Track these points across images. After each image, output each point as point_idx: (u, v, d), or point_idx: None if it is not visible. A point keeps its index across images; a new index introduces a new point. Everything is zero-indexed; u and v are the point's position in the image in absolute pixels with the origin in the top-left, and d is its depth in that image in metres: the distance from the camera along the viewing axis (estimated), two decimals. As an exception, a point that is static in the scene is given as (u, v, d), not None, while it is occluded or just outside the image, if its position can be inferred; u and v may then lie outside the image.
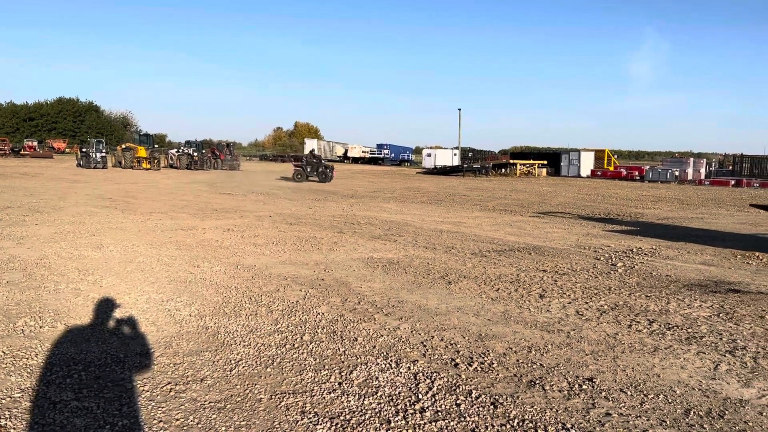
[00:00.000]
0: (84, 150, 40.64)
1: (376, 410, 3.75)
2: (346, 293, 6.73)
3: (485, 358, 4.70)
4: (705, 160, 49.71)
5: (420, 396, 3.97)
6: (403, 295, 6.73)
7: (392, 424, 3.56)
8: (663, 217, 16.63)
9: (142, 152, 40.85)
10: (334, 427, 3.51)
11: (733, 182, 39.15)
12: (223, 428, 3.48)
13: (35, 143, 65.38)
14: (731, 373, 4.49)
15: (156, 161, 40.86)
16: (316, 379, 4.23)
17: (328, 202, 18.76)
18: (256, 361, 4.56)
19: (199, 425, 3.51)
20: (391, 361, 4.63)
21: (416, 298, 6.61)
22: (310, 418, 3.62)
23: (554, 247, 10.43)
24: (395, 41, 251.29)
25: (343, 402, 3.86)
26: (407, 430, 3.50)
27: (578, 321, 5.82)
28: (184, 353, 4.70)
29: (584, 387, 4.16)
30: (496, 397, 3.98)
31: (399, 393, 4.02)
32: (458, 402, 3.89)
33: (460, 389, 4.10)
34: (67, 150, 74.84)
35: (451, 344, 5.05)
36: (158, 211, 14.69)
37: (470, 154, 64.04)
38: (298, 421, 3.58)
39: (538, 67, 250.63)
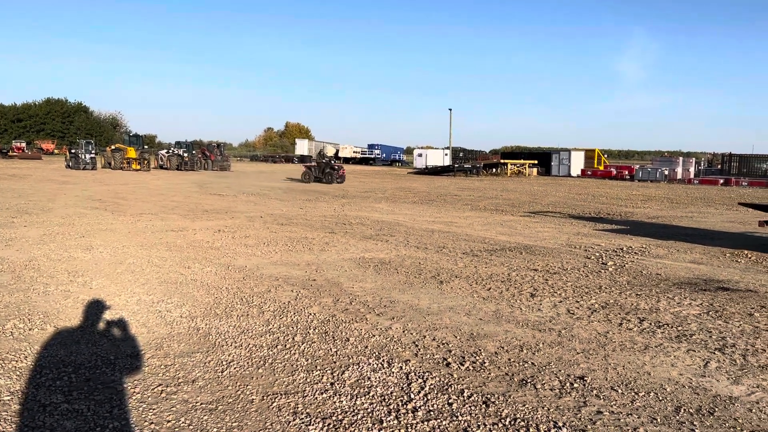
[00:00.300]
0: (73, 151, 40.38)
1: (369, 410, 3.75)
2: (337, 293, 6.73)
3: (477, 358, 4.71)
4: (694, 159, 50.08)
5: (412, 395, 3.98)
6: (395, 295, 6.73)
7: (384, 424, 3.56)
8: (653, 216, 16.73)
9: (132, 153, 40.63)
10: (326, 428, 3.50)
11: (722, 181, 39.45)
12: (215, 430, 3.47)
13: (23, 144, 64.96)
14: (721, 371, 4.52)
15: (146, 162, 40.66)
16: (308, 380, 4.22)
17: (320, 203, 18.73)
18: (247, 362, 4.54)
19: (191, 427, 3.49)
20: (383, 361, 4.63)
21: (408, 297, 6.61)
22: (302, 418, 3.62)
23: (545, 247, 10.47)
24: (387, 41, 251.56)
25: (335, 402, 3.86)
26: (399, 429, 3.50)
27: (569, 320, 5.84)
28: (175, 355, 4.68)
29: (575, 385, 4.18)
30: (488, 396, 3.98)
31: (391, 393, 4.02)
32: (450, 401, 3.89)
33: (452, 388, 4.10)
34: (56, 151, 74.36)
35: (443, 344, 5.05)
36: (148, 213, 14.62)
37: (461, 154, 64.06)
38: (290, 422, 3.57)
39: (528, 68, 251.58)
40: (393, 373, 4.38)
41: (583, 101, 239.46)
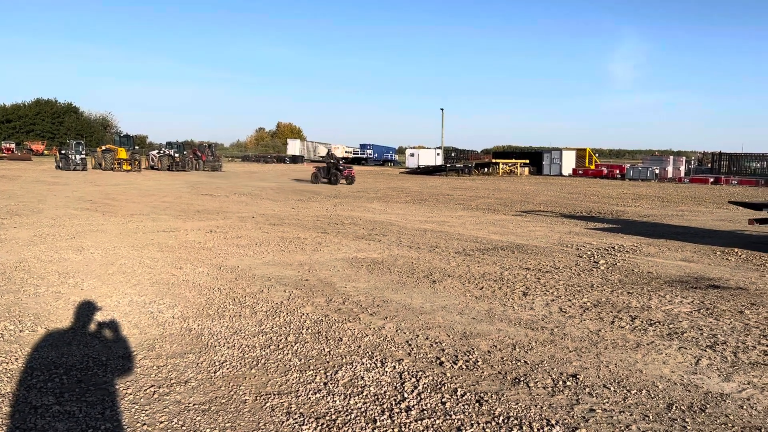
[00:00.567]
0: (63, 152, 40.17)
1: (362, 410, 3.75)
2: (330, 293, 6.72)
3: (470, 356, 4.72)
4: (684, 158, 50.30)
5: (405, 395, 3.98)
6: (388, 294, 6.73)
7: (378, 424, 3.56)
8: (644, 215, 16.82)
9: (123, 154, 40.44)
10: (319, 427, 3.50)
11: (712, 180, 39.70)
12: (208, 430, 3.45)
13: (13, 145, 64.55)
14: (712, 368, 4.55)
15: (137, 163, 40.50)
16: (302, 380, 4.21)
17: (312, 203, 18.71)
18: (240, 363, 4.53)
19: (184, 427, 3.48)
20: (377, 360, 4.63)
21: (401, 297, 6.61)
22: (296, 418, 3.61)
23: (537, 246, 10.50)
24: (379, 41, 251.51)
25: (328, 402, 3.85)
26: (393, 429, 3.50)
27: (562, 318, 5.86)
28: (168, 355, 4.66)
29: (568, 383, 4.19)
30: (481, 394, 3.99)
31: (384, 392, 4.02)
32: (444, 400, 3.90)
33: (446, 387, 4.11)
34: (46, 152, 73.93)
35: (436, 343, 5.06)
36: (139, 213, 14.55)
37: (453, 154, 64.20)
38: (283, 422, 3.56)
39: (520, 68, 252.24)
40: (386, 372, 4.38)
41: (574, 101, 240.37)
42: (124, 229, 11.64)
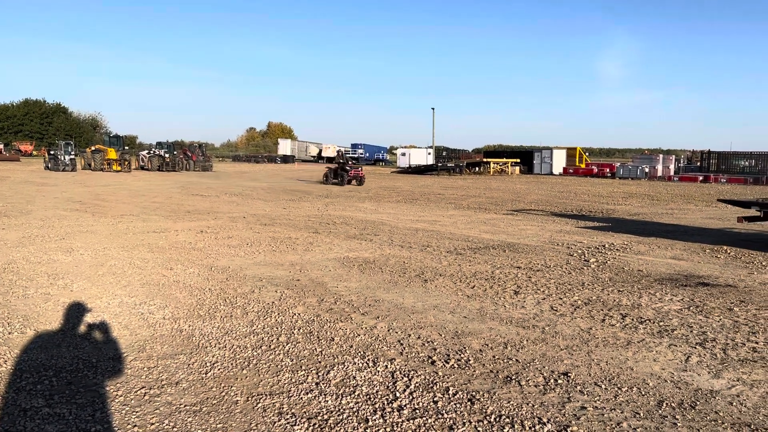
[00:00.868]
0: (52, 152, 39.87)
1: (354, 409, 3.75)
2: (322, 293, 6.71)
3: (462, 355, 4.73)
4: (674, 156, 50.58)
5: (398, 394, 3.98)
6: (380, 294, 6.73)
7: (370, 423, 3.56)
8: (634, 213, 16.90)
9: (112, 154, 40.19)
10: (311, 428, 3.49)
11: (701, 178, 40.00)
12: (199, 431, 3.44)
13: (1, 146, 63.90)
14: (702, 365, 4.58)
15: (126, 163, 40.28)
16: (293, 380, 4.20)
17: (303, 203, 18.68)
18: (231, 363, 4.52)
19: (175, 429, 3.46)
20: (369, 360, 4.62)
21: (393, 296, 6.61)
22: (288, 419, 3.60)
23: (528, 244, 10.53)
24: (370, 41, 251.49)
25: (320, 402, 3.85)
26: (385, 428, 3.50)
27: (553, 316, 5.88)
28: (159, 357, 4.64)
29: (559, 381, 4.21)
30: (473, 393, 4.00)
31: (376, 392, 4.02)
32: (436, 399, 3.90)
33: (438, 386, 4.11)
34: (35, 153, 73.35)
35: (428, 342, 5.06)
36: (129, 214, 14.47)
37: (444, 153, 64.31)
38: (275, 423, 3.55)
39: (510, 67, 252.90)
40: (378, 372, 4.38)
41: (564, 100, 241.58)
42: (114, 229, 11.57)
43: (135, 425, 3.50)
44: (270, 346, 4.92)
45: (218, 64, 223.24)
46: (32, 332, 5.17)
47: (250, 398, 3.89)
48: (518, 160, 50.77)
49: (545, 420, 3.60)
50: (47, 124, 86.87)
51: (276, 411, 3.71)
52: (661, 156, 47.63)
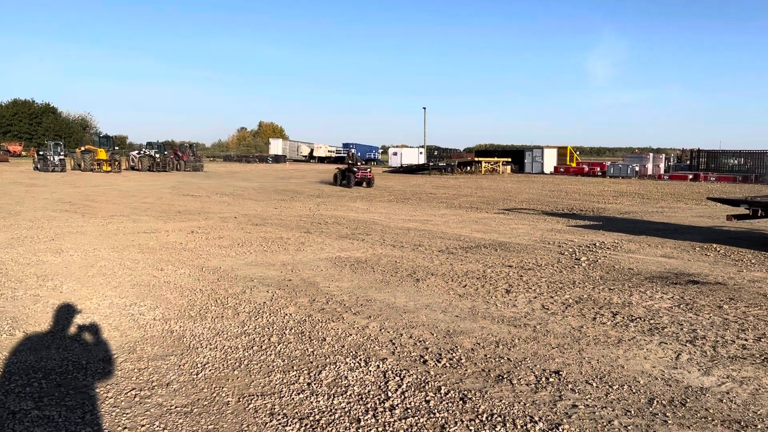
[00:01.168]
0: (41, 153, 39.61)
1: (346, 409, 3.74)
2: (314, 293, 6.70)
3: (454, 354, 4.73)
4: (664, 155, 50.87)
5: (389, 394, 3.97)
6: (372, 293, 6.73)
7: (362, 423, 3.55)
8: (624, 212, 16.98)
9: (102, 154, 39.95)
10: (303, 428, 3.48)
11: (691, 176, 40.24)
12: (190, 433, 3.42)
13: (-10, 147, 63.43)
14: (692, 362, 4.61)
15: (117, 163, 40.06)
16: (285, 381, 4.19)
17: (294, 202, 18.64)
18: (223, 364, 4.50)
19: (165, 431, 3.44)
20: (360, 359, 4.62)
21: (384, 296, 6.61)
22: (279, 419, 3.59)
23: (519, 243, 10.56)
24: (361, 40, 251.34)
25: (312, 402, 3.84)
26: (377, 428, 3.50)
27: (544, 315, 5.89)
28: (149, 358, 4.61)
29: (551, 380, 4.22)
30: (465, 392, 4.00)
31: (368, 391, 4.02)
32: (427, 398, 3.90)
33: (429, 386, 4.11)
34: (24, 153, 72.87)
35: (420, 341, 5.06)
36: (120, 214, 14.39)
37: (436, 153, 64.43)
38: (266, 423, 3.54)
39: (502, 66, 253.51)
40: (370, 371, 4.38)
41: (555, 99, 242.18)
42: (104, 230, 11.50)
43: (125, 427, 3.48)
44: (261, 346, 4.91)
45: (209, 64, 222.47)
46: (21, 334, 5.13)
47: (241, 399, 3.88)
48: (509, 160, 50.88)
49: (537, 418, 3.60)
50: (36, 124, 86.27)
51: (267, 412, 3.70)
52: (651, 155, 47.89)
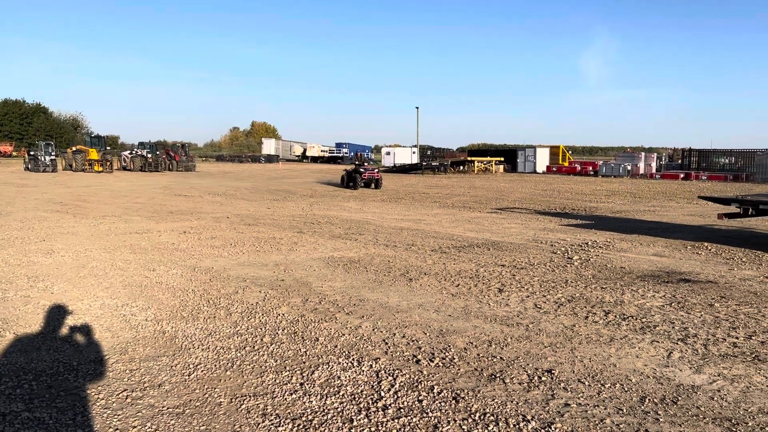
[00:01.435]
0: (32, 153, 39.37)
1: (339, 409, 3.73)
2: (306, 293, 6.68)
3: (446, 354, 4.73)
4: (656, 154, 51.06)
5: (382, 393, 3.97)
6: (365, 293, 6.72)
7: (355, 423, 3.55)
8: (616, 211, 17.05)
9: (94, 154, 39.76)
10: (296, 428, 3.48)
11: (682, 175, 40.42)
12: (183, 434, 3.41)
13: (-20, 147, 63.02)
14: (683, 361, 4.63)
15: (108, 164, 39.89)
16: (278, 381, 4.18)
17: (287, 202, 18.61)
18: (215, 365, 4.48)
19: (158, 432, 3.43)
20: (353, 359, 4.61)
21: (377, 296, 6.61)
22: (272, 420, 3.58)
23: (512, 242, 10.58)
24: (354, 40, 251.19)
25: (305, 402, 3.83)
26: (370, 428, 3.49)
27: (536, 314, 5.91)
28: (141, 359, 4.59)
29: (543, 379, 4.23)
30: (458, 391, 4.00)
31: (361, 391, 4.01)
32: (420, 398, 3.90)
33: (422, 385, 4.11)
34: (14, 153, 72.43)
35: (413, 341, 5.06)
36: (111, 215, 14.32)
37: (429, 152, 64.44)
38: (259, 424, 3.53)
39: (495, 66, 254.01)
40: (363, 371, 4.37)
41: (547, 99, 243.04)
42: (96, 231, 11.44)
43: (117, 429, 3.46)
44: (254, 347, 4.89)
45: (201, 64, 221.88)
46: (11, 335, 5.10)
47: (233, 400, 3.87)
48: (502, 159, 50.96)
49: (529, 417, 3.61)
50: (27, 124, 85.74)
51: (260, 412, 3.69)
52: (643, 154, 48.06)
